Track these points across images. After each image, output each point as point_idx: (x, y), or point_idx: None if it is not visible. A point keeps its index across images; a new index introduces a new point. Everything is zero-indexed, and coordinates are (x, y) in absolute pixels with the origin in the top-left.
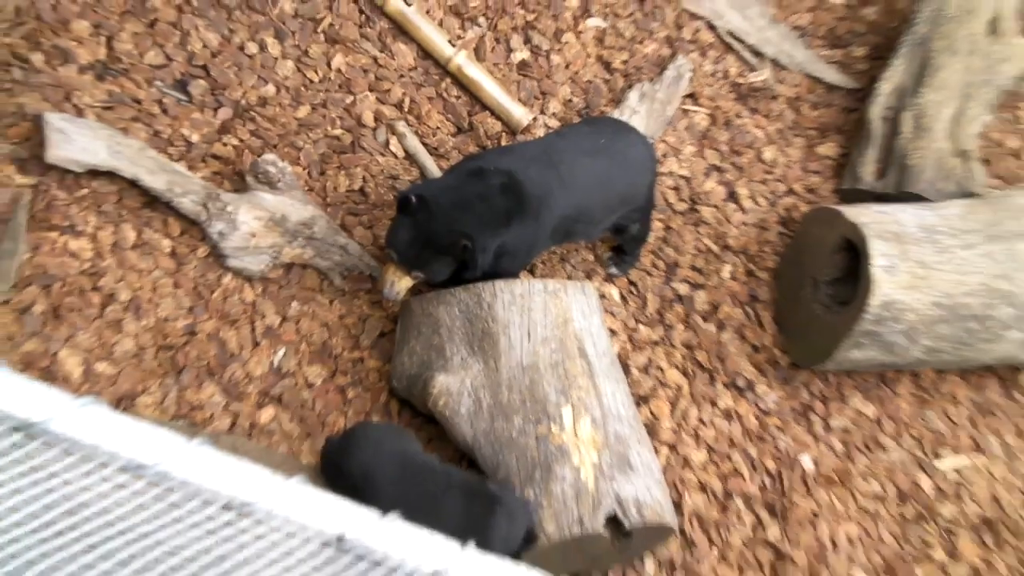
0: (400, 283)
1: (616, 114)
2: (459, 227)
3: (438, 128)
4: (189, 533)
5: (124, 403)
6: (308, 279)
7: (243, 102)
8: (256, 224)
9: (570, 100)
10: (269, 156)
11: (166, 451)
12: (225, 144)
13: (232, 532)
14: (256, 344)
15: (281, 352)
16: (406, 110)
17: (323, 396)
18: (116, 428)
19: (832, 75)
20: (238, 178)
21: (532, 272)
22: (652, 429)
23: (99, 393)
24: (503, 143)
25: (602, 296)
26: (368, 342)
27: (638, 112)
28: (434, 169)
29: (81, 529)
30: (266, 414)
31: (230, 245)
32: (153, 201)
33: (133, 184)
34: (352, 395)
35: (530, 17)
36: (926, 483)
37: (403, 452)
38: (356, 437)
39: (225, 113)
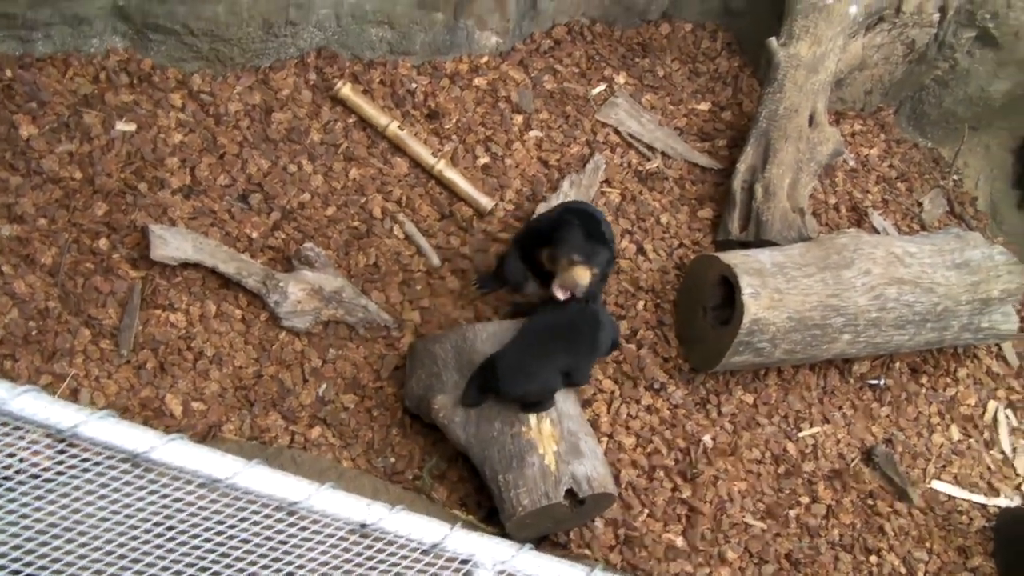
0: (587, 278)
1: (552, 197)
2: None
3: (427, 216)
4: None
5: (213, 431)
6: (341, 331)
7: (288, 207)
8: (301, 294)
9: (520, 189)
10: (308, 244)
11: (232, 469)
12: (276, 238)
13: (284, 527)
14: (305, 381)
15: (324, 386)
16: (404, 205)
17: (356, 416)
18: (195, 455)
19: (704, 160)
20: (287, 262)
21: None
22: (595, 423)
23: (195, 425)
24: (474, 223)
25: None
26: (386, 374)
27: (569, 195)
28: (427, 246)
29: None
30: (315, 432)
31: (283, 310)
32: (227, 283)
33: (213, 271)
34: (376, 414)
35: (488, 133)
36: (792, 448)
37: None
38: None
39: (275, 216)
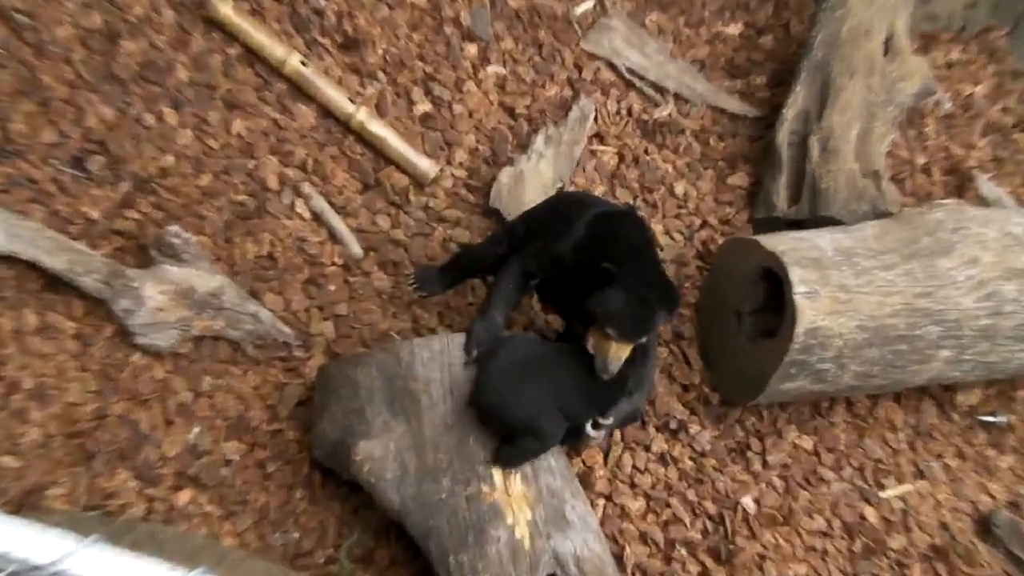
0: (624, 355)
1: (524, 158)
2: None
3: (344, 187)
4: None
5: (33, 497)
6: (220, 351)
7: (143, 175)
8: (162, 298)
9: (476, 148)
10: (172, 228)
11: (60, 550)
12: (126, 219)
13: None
14: (169, 423)
15: (196, 430)
16: (310, 171)
17: (242, 472)
18: (5, 531)
19: (735, 105)
20: (141, 252)
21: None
22: (585, 480)
23: (6, 489)
24: (411, 197)
25: None
26: (286, 412)
27: (545, 156)
28: (344, 229)
29: None
30: (183, 496)
31: (137, 322)
32: (54, 282)
33: (32, 267)
34: (273, 469)
35: (429, 69)
36: (872, 514)
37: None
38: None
39: (125, 187)
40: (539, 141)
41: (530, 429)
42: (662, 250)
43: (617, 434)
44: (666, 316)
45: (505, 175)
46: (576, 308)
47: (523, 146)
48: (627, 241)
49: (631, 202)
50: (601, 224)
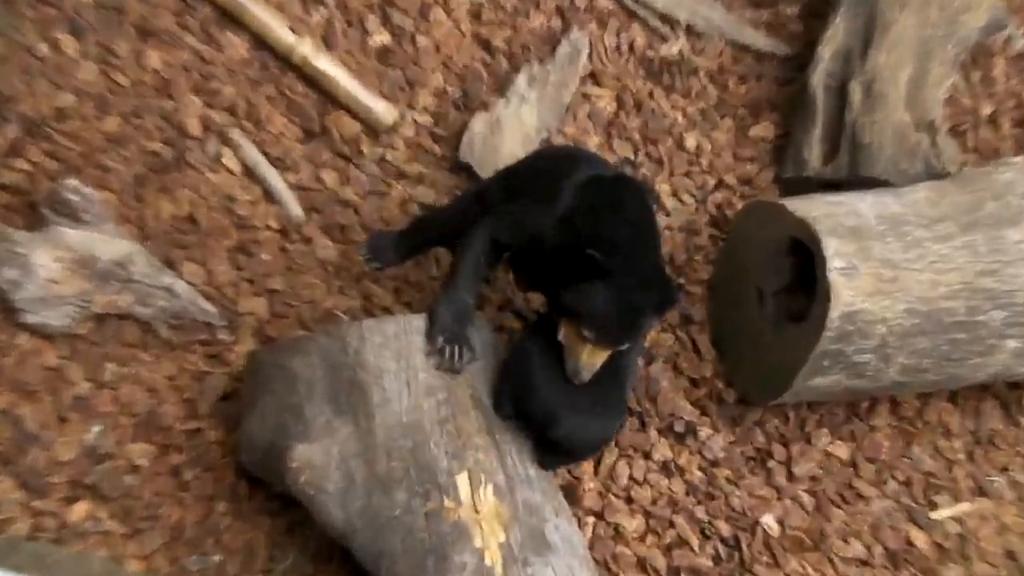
0: (599, 362)
1: (502, 103)
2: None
3: (282, 134)
4: None
5: None
6: (127, 332)
7: (34, 116)
8: (56, 268)
9: (444, 90)
10: (70, 182)
11: None
12: (13, 170)
13: None
14: (63, 420)
15: (96, 429)
16: (241, 115)
17: (152, 481)
18: None
19: (761, 40)
20: (31, 212)
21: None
22: (572, 493)
23: None
24: (364, 148)
25: (499, 328)
26: (207, 408)
27: (528, 100)
28: (280, 184)
29: None
30: (79, 510)
31: (25, 296)
32: None
33: None
34: (190, 477)
35: None
36: (921, 539)
37: None
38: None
39: (12, 131)
40: (521, 82)
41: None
42: (668, 215)
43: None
44: (657, 319)
45: (478, 123)
46: (552, 291)
47: (501, 88)
48: (622, 219)
49: (631, 158)
50: (593, 193)
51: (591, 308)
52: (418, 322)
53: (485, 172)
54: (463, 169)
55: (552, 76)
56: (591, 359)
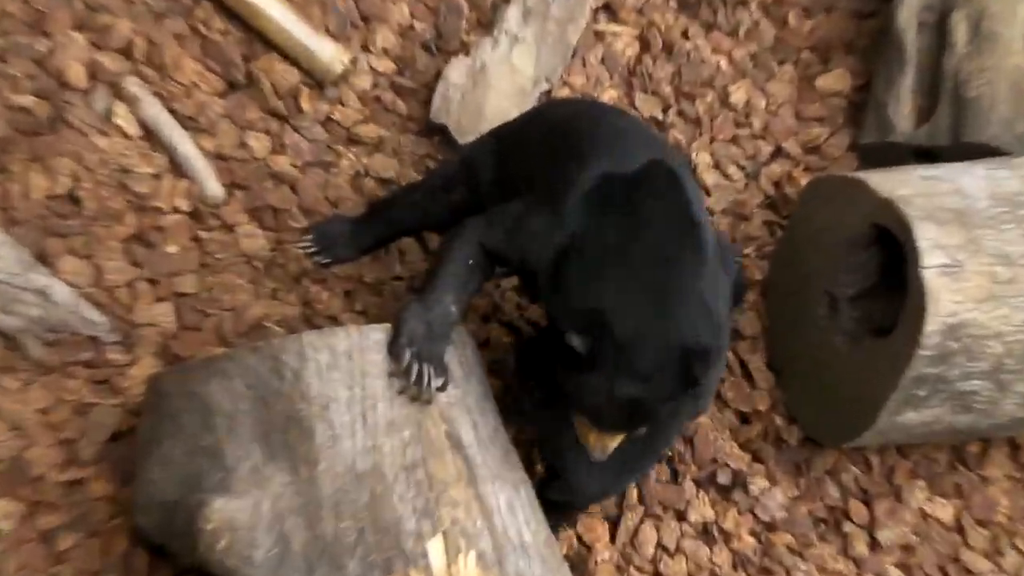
0: (610, 442)
1: (488, 43)
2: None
3: (195, 85)
4: None
5: None
6: None
7: None
8: None
9: (410, 26)
10: None
11: None
12: None
13: None
14: None
15: None
16: (139, 58)
17: (16, 551)
18: None
19: None
20: None
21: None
22: (581, 565)
23: None
24: (304, 105)
25: (485, 342)
26: (92, 451)
27: (522, 40)
28: (191, 151)
29: None
30: None
31: None
32: None
33: None
34: (68, 544)
35: None
36: None
37: None
38: None
39: None
40: (512, 16)
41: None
42: (709, 195)
43: (632, 492)
44: (693, 405)
45: (456, 70)
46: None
47: (486, 23)
48: (630, 270)
49: (659, 117)
50: (600, 213)
51: (582, 398)
52: (377, 335)
53: (465, 137)
54: (436, 132)
55: (554, 8)
56: (602, 443)
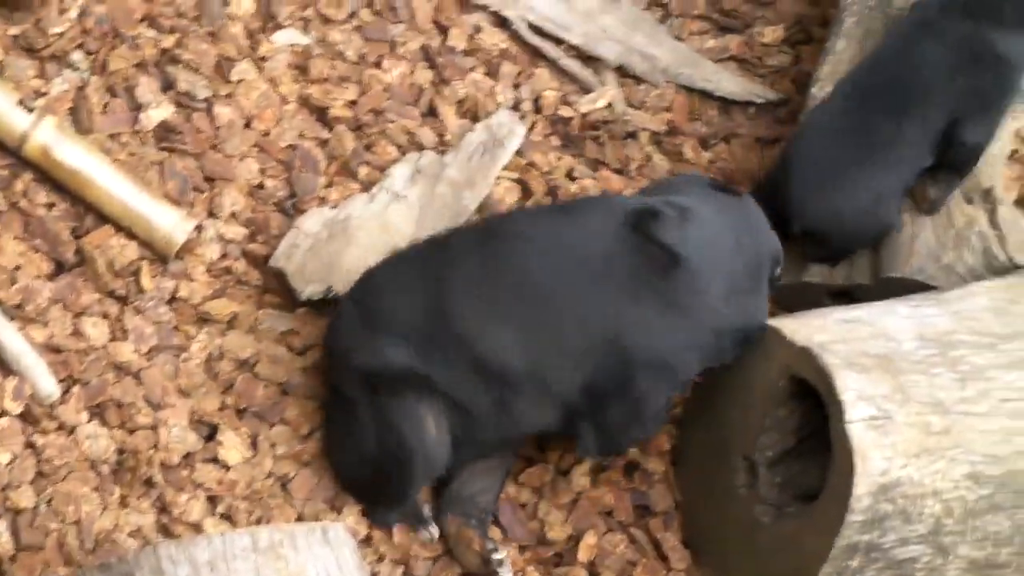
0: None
1: (362, 199)
2: None
3: (18, 268)
4: None
5: None
6: None
7: None
8: None
9: (260, 185)
10: None
11: None
12: None
13: None
14: None
15: None
16: None
17: None
18: None
19: (728, 82)
20: None
21: None
22: None
23: None
24: (145, 282)
25: (367, 540)
26: None
27: (405, 199)
28: (18, 344)
29: None
30: None
31: None
32: None
33: None
34: None
35: (168, 41)
36: None
37: None
38: None
39: None
40: (399, 173)
41: None
42: None
43: None
44: None
45: (311, 220)
46: None
47: (353, 174)
48: None
49: None
50: None
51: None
52: (244, 541)
53: (306, 286)
54: (300, 304)
55: (451, 171)
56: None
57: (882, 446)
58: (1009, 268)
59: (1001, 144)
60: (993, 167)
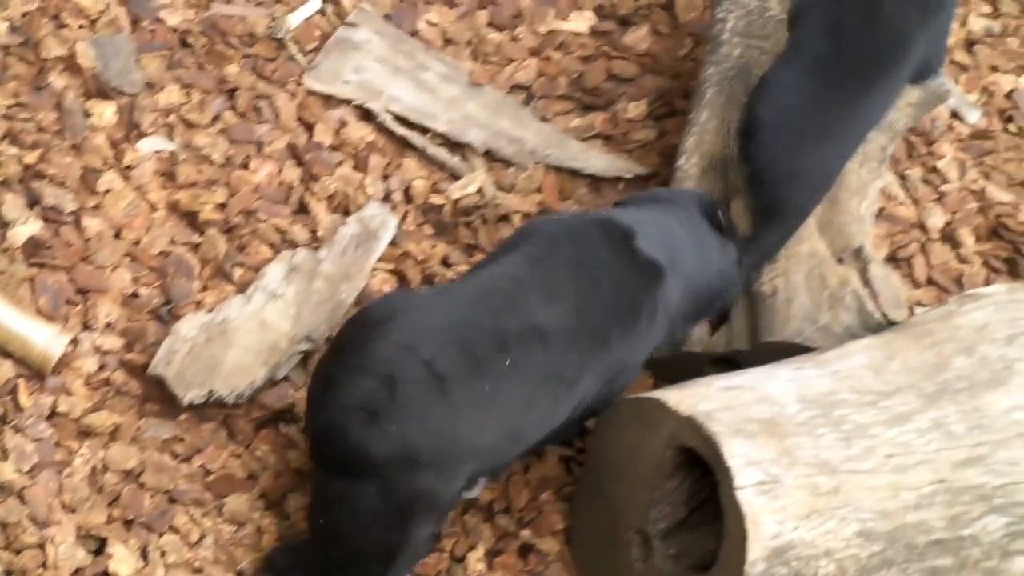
0: None
1: (240, 301)
2: None
3: None
4: None
5: None
6: None
7: None
8: None
9: (134, 294)
10: None
11: None
12: None
13: None
14: None
15: None
16: None
17: None
18: None
19: (596, 160)
20: None
21: None
22: None
23: None
24: (22, 400)
25: None
26: None
27: (280, 296)
28: None
29: None
30: None
31: None
32: None
33: None
34: None
35: (31, 157)
36: None
37: None
38: None
39: None
40: (273, 273)
41: None
42: None
43: None
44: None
45: (188, 324)
46: None
47: (223, 279)
48: None
49: None
50: None
51: None
52: None
53: (188, 391)
54: (181, 411)
55: (326, 266)
56: None
57: (772, 510)
58: (884, 325)
59: (868, 203)
60: (861, 226)
